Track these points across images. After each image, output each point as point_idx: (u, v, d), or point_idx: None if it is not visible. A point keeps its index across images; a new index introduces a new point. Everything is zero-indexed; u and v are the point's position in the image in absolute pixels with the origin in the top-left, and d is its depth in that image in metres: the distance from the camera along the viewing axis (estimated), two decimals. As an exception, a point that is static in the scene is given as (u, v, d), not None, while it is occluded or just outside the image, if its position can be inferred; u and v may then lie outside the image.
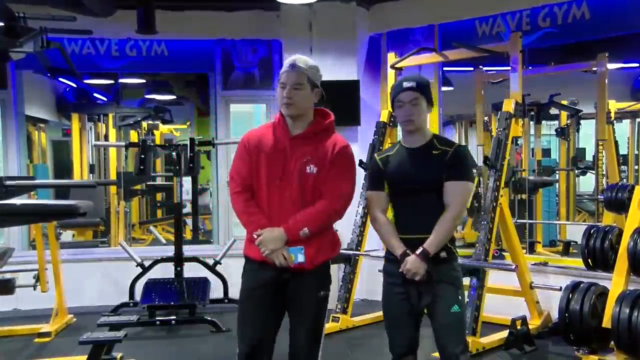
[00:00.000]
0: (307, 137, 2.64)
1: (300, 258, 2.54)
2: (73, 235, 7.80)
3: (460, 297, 2.72)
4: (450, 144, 2.77)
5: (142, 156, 5.43)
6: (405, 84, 2.73)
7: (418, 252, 2.63)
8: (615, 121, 6.60)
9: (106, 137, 8.48)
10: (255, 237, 2.56)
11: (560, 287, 4.29)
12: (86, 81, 8.51)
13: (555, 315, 4.55)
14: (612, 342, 3.86)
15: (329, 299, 2.70)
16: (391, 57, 5.52)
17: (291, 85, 2.59)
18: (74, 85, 8.67)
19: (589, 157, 8.16)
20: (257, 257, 2.59)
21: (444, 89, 6.58)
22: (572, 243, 6.72)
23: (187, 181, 6.05)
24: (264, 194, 2.62)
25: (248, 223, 2.62)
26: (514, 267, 4.41)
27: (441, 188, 2.68)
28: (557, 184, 7.75)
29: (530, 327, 4.48)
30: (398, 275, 2.69)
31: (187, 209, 7.57)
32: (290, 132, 2.64)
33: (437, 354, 3.96)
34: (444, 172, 2.67)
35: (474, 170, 5.72)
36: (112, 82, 8.65)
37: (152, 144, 5.70)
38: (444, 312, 2.67)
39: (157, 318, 5.05)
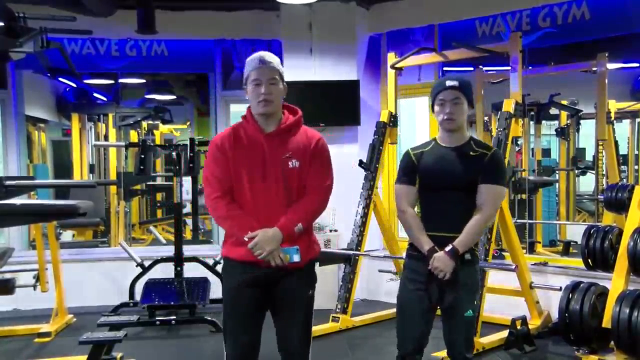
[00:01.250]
0: (282, 133, 2.59)
1: (296, 258, 2.51)
2: (73, 235, 7.81)
3: (475, 302, 2.76)
4: (488, 147, 2.78)
5: (142, 156, 5.43)
6: (448, 83, 2.73)
7: (447, 249, 2.63)
8: (615, 121, 6.60)
9: (106, 137, 8.48)
10: (247, 239, 2.47)
11: (560, 287, 4.30)
12: (86, 81, 8.51)
13: (555, 315, 4.56)
14: (612, 342, 3.86)
15: (315, 298, 2.69)
16: (391, 57, 5.52)
17: (267, 81, 2.54)
18: (74, 85, 8.67)
19: (589, 157, 8.15)
20: (244, 259, 2.53)
21: (444, 89, 6.57)
22: (572, 243, 6.71)
23: (187, 181, 6.05)
24: (247, 196, 2.54)
25: (235, 227, 2.54)
26: (514, 267, 4.40)
27: (473, 189, 2.69)
28: (557, 184, 7.75)
29: (530, 327, 4.48)
30: (420, 272, 2.69)
31: (187, 209, 7.56)
32: (263, 129, 2.59)
33: (437, 354, 3.99)
34: (480, 174, 2.68)
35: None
36: (112, 82, 8.65)
37: (152, 144, 5.70)
38: (460, 315, 2.69)
39: (157, 318, 5.05)
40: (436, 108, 2.77)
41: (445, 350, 2.88)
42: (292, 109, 2.70)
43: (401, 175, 2.86)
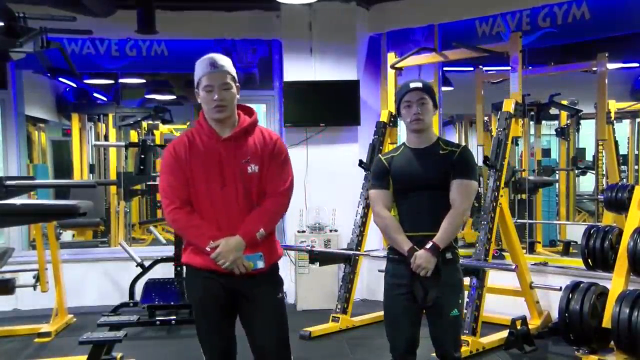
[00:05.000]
0: (239, 136, 2.52)
1: (260, 264, 2.47)
2: (73, 235, 7.80)
3: (460, 301, 2.77)
4: (456, 145, 2.82)
5: (142, 156, 5.44)
6: (412, 85, 2.78)
7: (428, 246, 2.65)
8: (615, 121, 6.60)
9: (106, 137, 8.47)
10: (209, 249, 2.41)
11: (560, 287, 4.29)
12: (86, 81, 8.50)
13: (555, 315, 4.56)
14: (612, 342, 3.86)
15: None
16: (391, 57, 5.52)
17: (219, 86, 2.45)
18: (74, 85, 8.67)
19: (589, 157, 8.15)
20: (205, 266, 2.47)
21: (444, 89, 6.58)
22: (572, 243, 6.71)
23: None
24: (206, 204, 2.47)
25: (196, 237, 2.46)
26: (514, 267, 4.40)
27: (446, 187, 2.72)
28: (557, 184, 7.75)
29: (530, 327, 4.48)
30: (403, 274, 2.71)
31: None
32: (218, 135, 2.51)
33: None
34: (451, 171, 2.72)
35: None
36: (112, 82, 8.64)
37: (152, 144, 5.70)
38: (445, 315, 2.71)
39: (157, 318, 5.05)
40: (403, 111, 2.80)
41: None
42: (246, 109, 2.63)
43: (374, 181, 2.88)
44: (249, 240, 2.45)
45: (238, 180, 2.48)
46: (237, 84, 2.56)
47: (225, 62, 2.50)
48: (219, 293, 2.51)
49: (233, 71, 2.53)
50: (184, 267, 2.64)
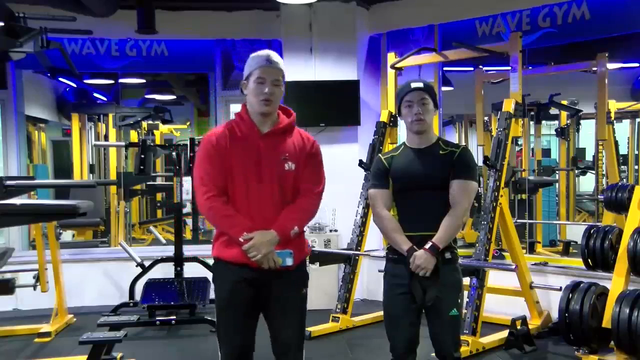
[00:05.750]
0: (278, 134, 2.57)
1: (289, 261, 2.49)
2: (73, 235, 7.81)
3: (459, 301, 2.77)
4: (456, 145, 2.83)
5: (142, 156, 5.44)
6: (414, 85, 2.78)
7: (427, 246, 2.65)
8: (615, 121, 6.60)
9: (106, 137, 8.48)
10: (243, 240, 2.43)
11: (560, 287, 4.29)
12: (86, 81, 8.52)
13: (555, 315, 4.55)
14: (612, 342, 3.86)
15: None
16: (391, 57, 5.51)
17: (272, 81, 2.51)
18: (74, 85, 8.68)
19: (589, 157, 8.17)
20: (235, 260, 2.49)
21: (444, 89, 6.59)
22: (572, 243, 6.72)
23: (187, 181, 6.04)
24: (241, 196, 2.50)
25: (230, 227, 2.48)
26: (514, 267, 4.40)
27: (446, 187, 2.72)
28: (557, 184, 7.75)
29: (530, 327, 4.48)
30: (402, 274, 2.71)
31: (187, 209, 7.56)
32: (259, 129, 2.56)
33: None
34: (451, 171, 2.72)
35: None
36: (112, 82, 8.66)
37: (152, 144, 5.70)
38: (444, 315, 2.71)
39: (157, 318, 5.05)
40: (404, 110, 2.80)
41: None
42: (285, 110, 2.67)
43: (374, 180, 2.88)
44: (283, 236, 2.48)
45: (275, 177, 2.51)
46: (284, 85, 2.61)
47: (280, 60, 2.57)
48: (247, 287, 2.53)
49: (284, 71, 2.58)
50: (213, 261, 2.65)
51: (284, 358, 2.60)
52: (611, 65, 6.54)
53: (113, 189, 7.96)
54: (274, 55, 2.56)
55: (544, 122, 8.13)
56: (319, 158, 2.65)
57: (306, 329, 4.77)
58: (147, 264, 5.54)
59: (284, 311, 2.58)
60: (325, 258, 5.12)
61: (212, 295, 5.39)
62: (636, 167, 8.07)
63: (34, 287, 5.06)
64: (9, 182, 4.60)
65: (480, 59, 5.68)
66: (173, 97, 10.04)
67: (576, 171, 8.04)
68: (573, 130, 7.86)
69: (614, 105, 6.54)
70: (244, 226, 2.46)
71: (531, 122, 7.68)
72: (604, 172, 6.82)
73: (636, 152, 8.06)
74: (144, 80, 9.12)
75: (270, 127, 2.57)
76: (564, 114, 7.86)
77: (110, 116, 8.38)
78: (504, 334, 4.43)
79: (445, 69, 6.51)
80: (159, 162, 9.31)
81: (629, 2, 5.13)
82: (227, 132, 2.56)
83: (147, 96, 10.09)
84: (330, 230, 5.85)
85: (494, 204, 4.49)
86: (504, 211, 4.59)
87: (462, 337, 4.08)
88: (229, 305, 2.57)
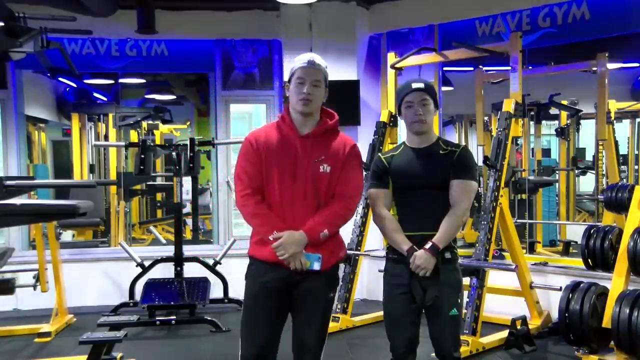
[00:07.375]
0: (317, 136, 2.60)
1: (316, 266, 2.50)
2: (73, 235, 7.81)
3: (459, 301, 2.76)
4: (456, 145, 2.83)
5: (142, 156, 5.43)
6: (414, 85, 2.77)
7: (427, 246, 2.65)
8: (615, 121, 6.60)
9: (106, 137, 8.48)
10: (272, 239, 2.48)
11: (560, 287, 4.29)
12: (86, 81, 8.52)
13: (555, 315, 4.56)
14: (612, 342, 3.86)
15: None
16: (391, 57, 5.52)
17: (311, 82, 2.55)
18: (74, 85, 8.68)
19: (589, 157, 8.16)
20: (268, 259, 2.53)
21: (444, 89, 6.59)
22: (572, 243, 6.72)
23: (187, 181, 6.05)
24: (276, 195, 2.55)
25: (261, 225, 2.54)
26: (514, 267, 4.41)
27: (446, 187, 2.72)
28: (557, 184, 7.75)
29: (530, 327, 4.48)
30: (402, 274, 2.71)
31: (187, 209, 7.57)
32: (298, 131, 2.59)
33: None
34: (451, 170, 2.72)
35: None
36: (112, 82, 8.66)
37: (152, 144, 5.70)
38: (444, 315, 2.71)
39: (157, 318, 5.05)
40: (404, 111, 2.80)
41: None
42: (329, 113, 2.71)
43: (374, 180, 2.88)
44: (312, 238, 2.50)
45: (309, 178, 2.54)
46: (327, 88, 2.64)
47: (322, 63, 2.62)
48: (277, 287, 2.55)
49: (327, 73, 2.62)
50: (249, 259, 2.67)
51: (301, 358, 2.62)
52: (611, 65, 6.53)
53: (113, 189, 7.97)
54: (316, 57, 2.61)
55: (544, 122, 8.13)
56: (357, 161, 2.66)
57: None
58: (147, 264, 5.54)
59: (308, 312, 2.60)
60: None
61: (212, 295, 5.44)
62: (636, 167, 8.07)
63: (34, 287, 5.06)
64: (9, 182, 4.60)
65: (480, 59, 5.67)
66: (173, 97, 10.04)
67: (576, 171, 8.03)
68: (573, 130, 7.86)
69: (614, 105, 6.54)
70: (274, 225, 2.51)
71: (531, 122, 7.68)
72: (604, 172, 6.82)
73: (636, 152, 8.06)
74: (144, 80, 9.12)
75: (311, 128, 2.60)
76: (564, 114, 7.86)
77: (110, 116, 8.39)
78: (504, 334, 4.43)
79: (445, 69, 6.51)
80: (159, 162, 9.31)
81: (629, 2, 5.12)
82: (267, 132, 2.62)
83: (147, 96, 10.09)
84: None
85: (494, 203, 4.49)
86: (504, 211, 4.59)
87: (462, 337, 4.08)
88: (257, 304, 2.60)
